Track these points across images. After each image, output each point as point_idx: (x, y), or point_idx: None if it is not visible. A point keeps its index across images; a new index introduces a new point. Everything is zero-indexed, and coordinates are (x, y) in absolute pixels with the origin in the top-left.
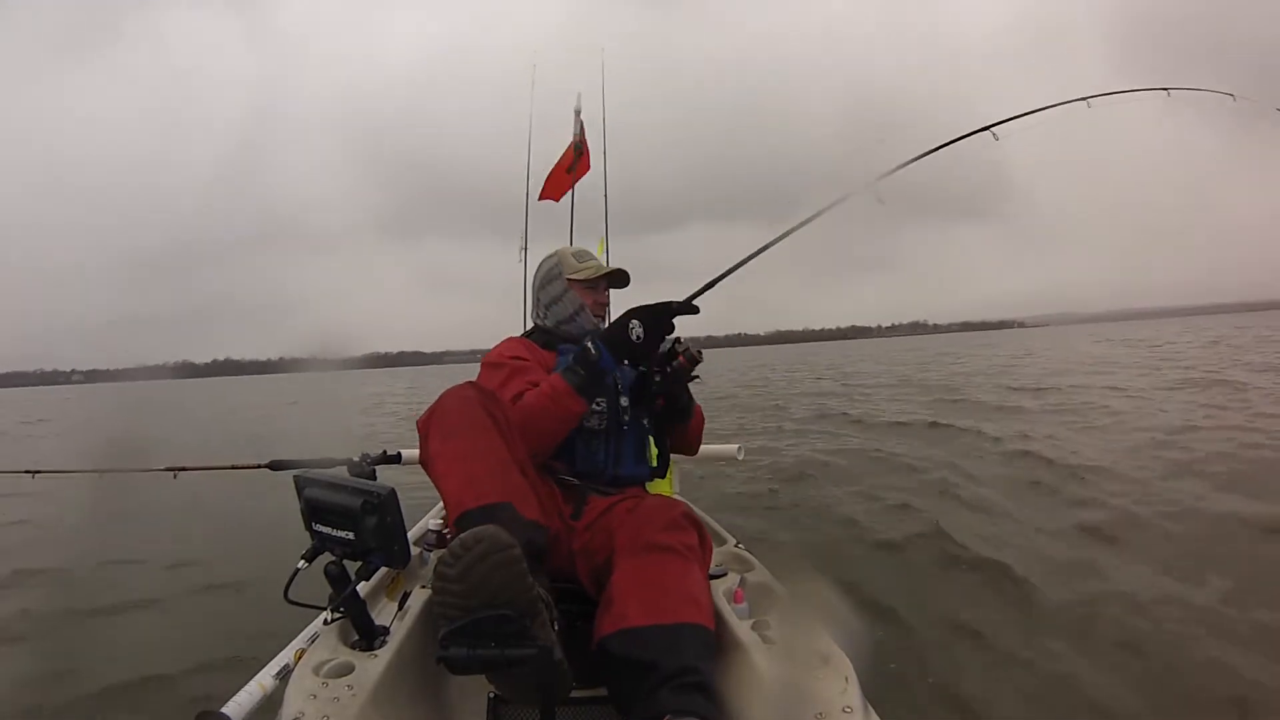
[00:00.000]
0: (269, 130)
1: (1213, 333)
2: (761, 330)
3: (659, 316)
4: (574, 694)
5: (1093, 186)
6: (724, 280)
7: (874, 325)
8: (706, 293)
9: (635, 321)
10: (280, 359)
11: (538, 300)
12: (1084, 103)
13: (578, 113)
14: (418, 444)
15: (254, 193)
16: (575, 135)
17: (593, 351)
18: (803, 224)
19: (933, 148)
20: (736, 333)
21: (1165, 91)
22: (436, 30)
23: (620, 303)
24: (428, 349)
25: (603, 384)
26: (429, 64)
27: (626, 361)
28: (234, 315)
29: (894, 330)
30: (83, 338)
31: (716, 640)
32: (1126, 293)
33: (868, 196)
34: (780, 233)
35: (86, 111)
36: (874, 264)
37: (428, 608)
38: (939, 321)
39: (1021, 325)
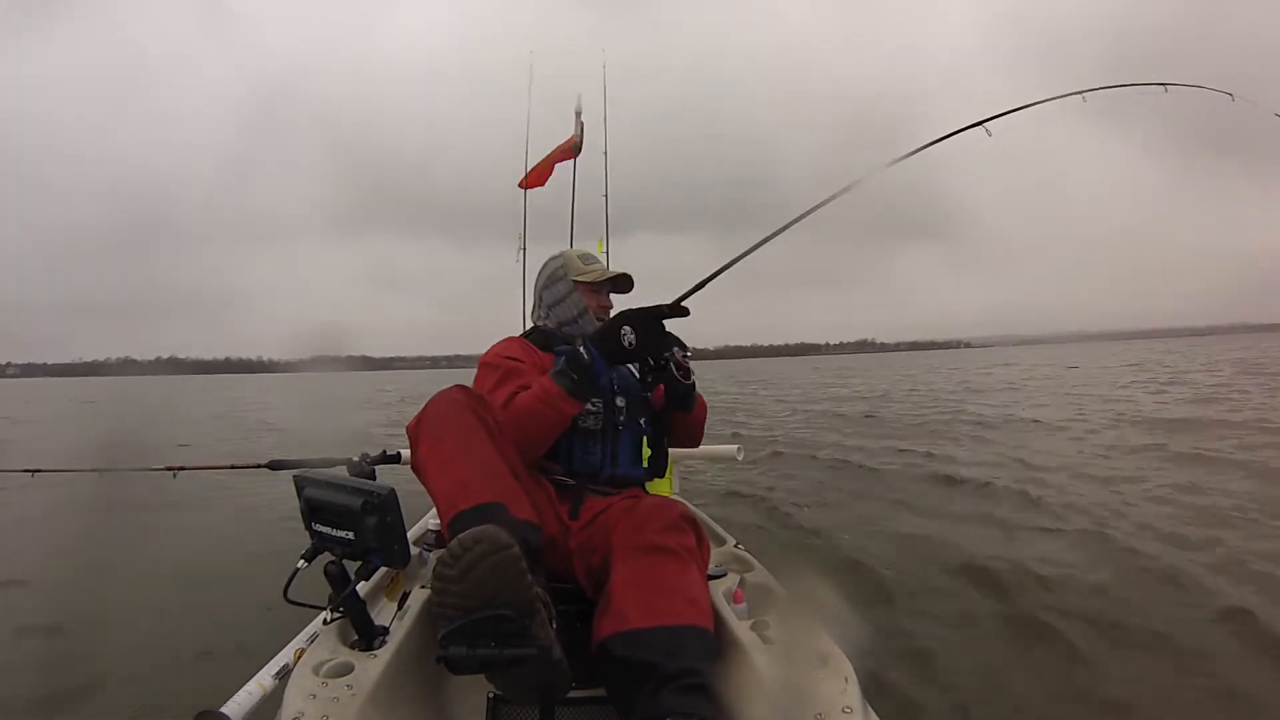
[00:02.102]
0: (217, 117)
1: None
2: (710, 345)
3: (650, 321)
4: (573, 694)
5: (1042, 212)
6: (673, 294)
7: (823, 342)
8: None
9: (628, 327)
10: (226, 359)
11: (540, 299)
12: (1079, 97)
13: (578, 114)
14: None
15: (202, 180)
16: (576, 135)
17: (584, 356)
18: (809, 212)
19: (929, 142)
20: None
21: (1163, 87)
22: (398, 27)
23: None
24: (376, 354)
25: (595, 386)
26: (391, 59)
27: (625, 363)
28: (178, 308)
29: (842, 348)
30: (18, 325)
31: (716, 641)
32: (1067, 316)
33: (876, 181)
34: (778, 228)
35: (17, 75)
36: (825, 281)
37: (427, 607)
38: (887, 340)
39: (967, 345)
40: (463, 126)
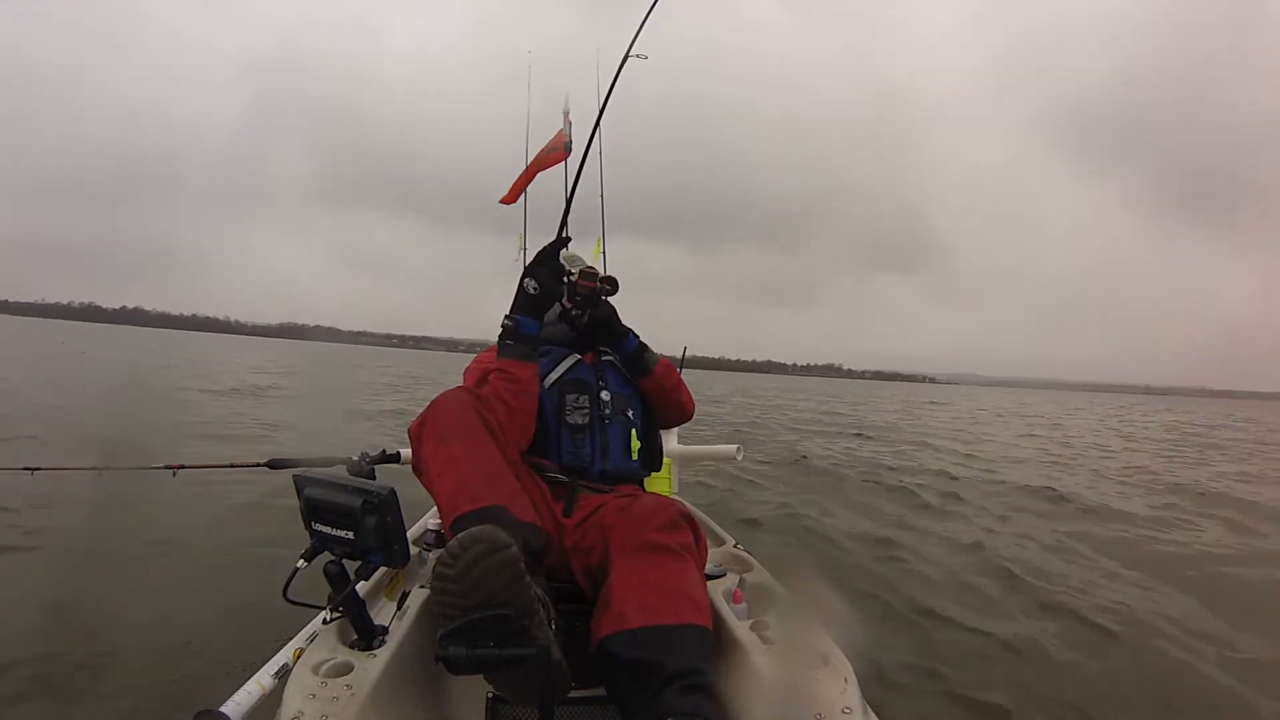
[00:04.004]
0: (204, 68)
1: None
2: (677, 354)
3: (541, 262)
4: (573, 694)
5: (1016, 260)
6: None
7: (790, 363)
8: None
9: (528, 279)
10: (194, 316)
11: None
12: None
13: (566, 114)
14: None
15: (184, 132)
16: (565, 135)
17: (511, 323)
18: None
19: None
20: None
21: None
22: (399, 12)
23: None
24: (344, 327)
25: (534, 342)
26: (389, 40)
27: (546, 307)
28: (149, 259)
29: (809, 370)
30: None
31: (716, 640)
32: (1034, 362)
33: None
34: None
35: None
36: (800, 301)
37: (426, 607)
38: (853, 367)
39: (932, 380)
40: (454, 112)
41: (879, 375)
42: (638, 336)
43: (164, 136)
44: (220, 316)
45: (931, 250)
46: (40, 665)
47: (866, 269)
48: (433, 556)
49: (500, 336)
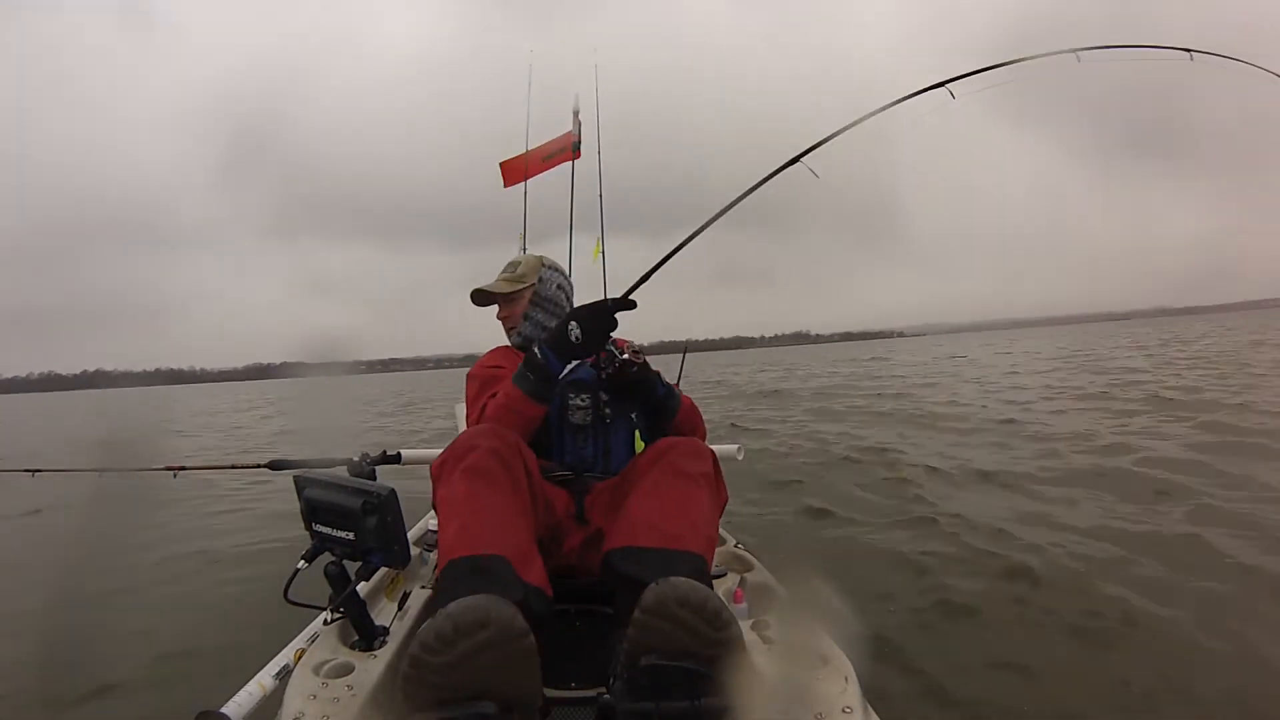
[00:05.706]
0: (137, 114)
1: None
2: (645, 340)
3: (596, 314)
4: (573, 693)
5: (969, 210)
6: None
7: (757, 335)
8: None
9: (573, 323)
10: (158, 370)
11: None
12: (1073, 55)
13: (576, 113)
14: (419, 445)
15: (123, 180)
16: (574, 135)
17: (539, 356)
18: (739, 199)
19: (885, 105)
20: None
21: (1188, 54)
22: (314, 25)
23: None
24: (311, 360)
25: (552, 386)
26: (309, 57)
27: (579, 359)
28: (105, 317)
29: (777, 340)
30: None
31: (709, 568)
32: (1001, 304)
33: (802, 168)
34: (712, 215)
35: None
36: (761, 278)
37: (427, 607)
38: (821, 331)
39: (900, 335)
40: (400, 127)
41: (847, 336)
42: (661, 378)
43: (105, 186)
44: (185, 367)
45: (893, 216)
46: (42, 666)
47: (833, 241)
48: (433, 557)
49: (524, 362)
